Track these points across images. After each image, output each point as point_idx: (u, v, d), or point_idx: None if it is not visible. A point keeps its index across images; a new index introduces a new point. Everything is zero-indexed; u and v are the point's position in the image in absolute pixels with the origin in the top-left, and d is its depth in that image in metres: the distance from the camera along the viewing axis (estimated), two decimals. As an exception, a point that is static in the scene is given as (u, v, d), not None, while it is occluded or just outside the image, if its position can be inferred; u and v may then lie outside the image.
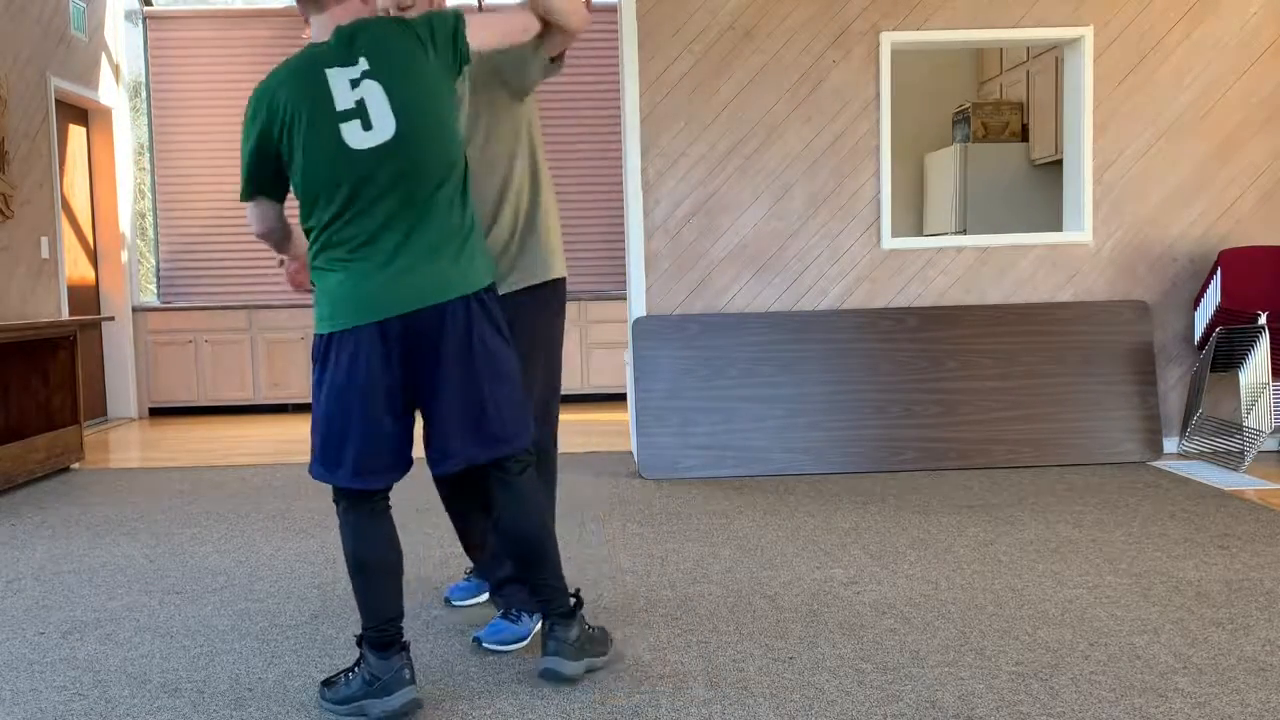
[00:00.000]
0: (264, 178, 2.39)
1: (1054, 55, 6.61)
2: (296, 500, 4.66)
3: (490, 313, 2.36)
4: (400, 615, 2.38)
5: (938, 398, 5.09)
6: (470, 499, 2.89)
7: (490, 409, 2.36)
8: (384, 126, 2.26)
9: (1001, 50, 7.45)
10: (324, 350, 2.31)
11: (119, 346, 7.72)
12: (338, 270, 2.30)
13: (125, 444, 6.58)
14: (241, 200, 2.44)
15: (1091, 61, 5.20)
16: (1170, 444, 5.31)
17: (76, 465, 5.73)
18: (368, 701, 2.33)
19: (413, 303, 2.27)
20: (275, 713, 2.39)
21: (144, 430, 7.19)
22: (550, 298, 2.79)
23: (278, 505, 4.56)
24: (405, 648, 2.37)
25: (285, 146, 2.29)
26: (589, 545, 3.76)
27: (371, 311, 2.26)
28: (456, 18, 2.36)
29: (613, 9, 8.03)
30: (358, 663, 2.39)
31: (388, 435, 2.32)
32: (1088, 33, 5.19)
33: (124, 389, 7.73)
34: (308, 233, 2.37)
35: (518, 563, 2.52)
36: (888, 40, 5.18)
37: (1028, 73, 7.05)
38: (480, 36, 2.38)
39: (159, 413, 7.89)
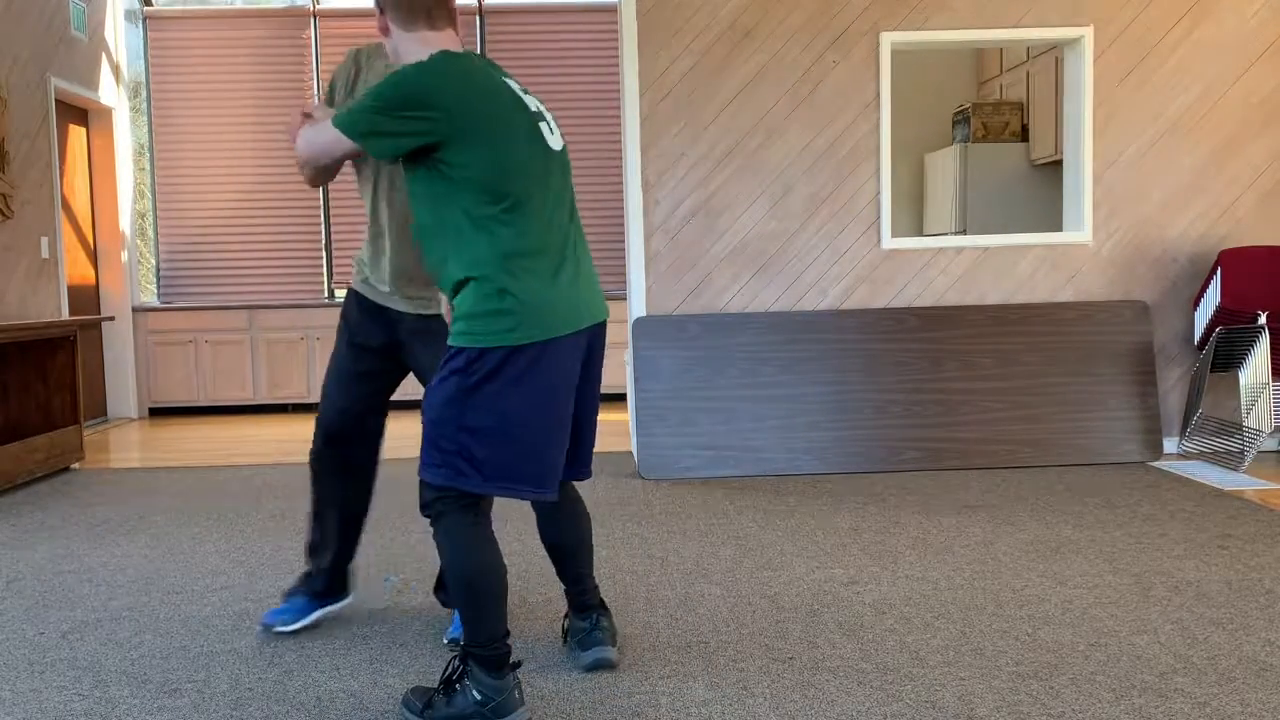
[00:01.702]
0: (388, 133, 2.18)
1: (1054, 55, 6.61)
2: (296, 500, 4.65)
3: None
4: (508, 631, 2.29)
5: (938, 398, 5.09)
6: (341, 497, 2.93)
7: (594, 429, 2.49)
8: (557, 138, 2.33)
9: (1001, 50, 7.45)
10: (506, 359, 2.17)
11: (119, 346, 7.72)
12: (521, 277, 2.18)
13: (125, 444, 6.58)
14: (340, 127, 2.23)
15: (1091, 61, 5.20)
16: (1170, 444, 5.31)
17: (76, 465, 5.73)
18: None
19: (599, 314, 2.34)
20: (275, 713, 2.39)
21: (144, 430, 7.19)
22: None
23: (278, 505, 4.56)
24: (516, 666, 2.28)
25: (455, 130, 2.14)
26: (589, 545, 3.76)
27: (572, 322, 2.24)
28: None
29: (613, 9, 8.03)
30: (456, 680, 2.25)
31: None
32: (1088, 33, 5.19)
33: (124, 389, 7.73)
34: (477, 223, 2.18)
35: (573, 562, 2.61)
36: (888, 40, 5.18)
37: (1028, 73, 7.05)
38: None
39: (159, 413, 7.89)
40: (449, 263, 2.21)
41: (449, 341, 2.23)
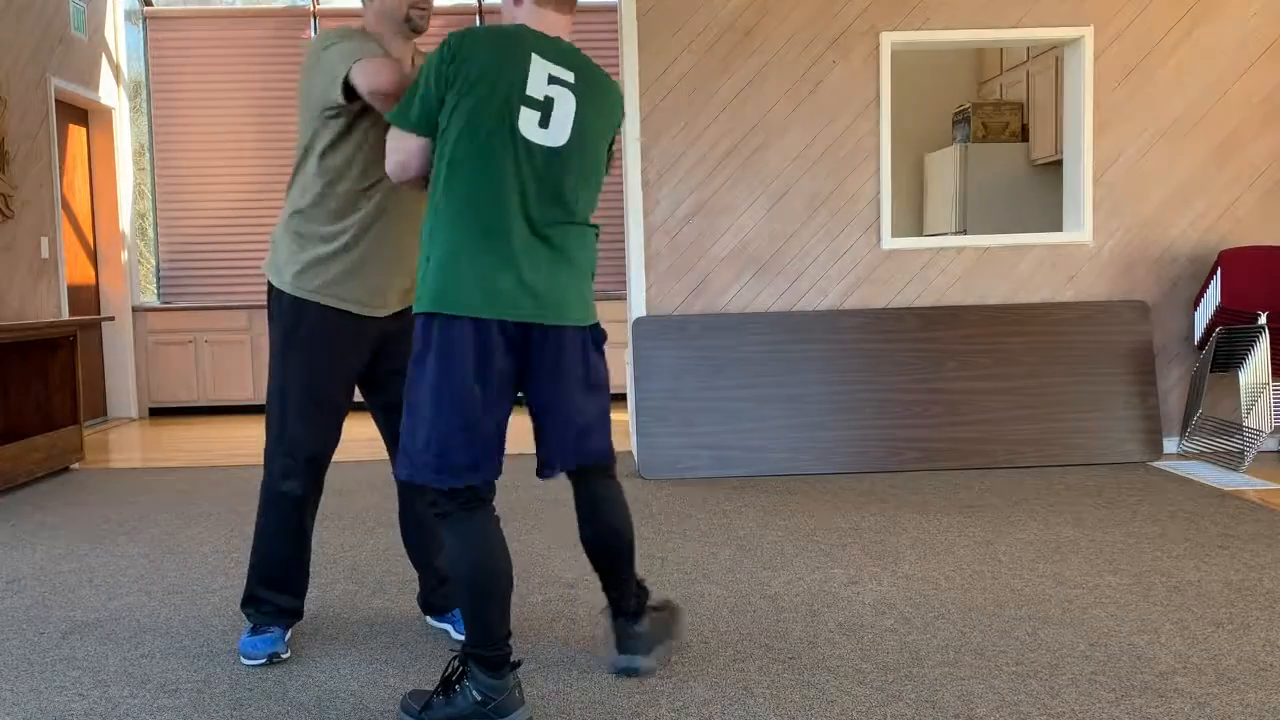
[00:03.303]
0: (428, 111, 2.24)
1: (1054, 55, 6.61)
2: (296, 500, 4.65)
3: None
4: (510, 632, 2.26)
5: (938, 398, 5.09)
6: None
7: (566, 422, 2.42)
8: (555, 132, 2.23)
9: (1001, 50, 7.45)
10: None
11: (119, 346, 7.72)
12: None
13: (125, 444, 6.58)
14: (395, 122, 2.28)
15: (1091, 61, 5.20)
16: (1170, 444, 5.31)
17: (76, 465, 5.73)
18: None
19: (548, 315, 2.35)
20: (275, 713, 2.39)
21: (144, 430, 7.19)
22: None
23: (278, 505, 4.56)
24: (516, 665, 2.26)
25: (452, 96, 2.19)
26: (589, 545, 3.76)
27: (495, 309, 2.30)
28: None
29: (613, 9, 8.03)
30: (455, 680, 2.24)
31: None
32: (1088, 33, 5.19)
33: (124, 389, 7.73)
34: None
35: (599, 560, 2.53)
36: (888, 40, 5.18)
37: (1028, 73, 7.05)
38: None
39: (159, 413, 7.89)
40: None
41: None
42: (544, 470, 2.38)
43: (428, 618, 2.96)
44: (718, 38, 5.17)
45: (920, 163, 7.97)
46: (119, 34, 7.74)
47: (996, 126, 7.19)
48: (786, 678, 2.51)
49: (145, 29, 8.13)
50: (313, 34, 8.13)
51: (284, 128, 8.17)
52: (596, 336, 2.40)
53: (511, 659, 2.25)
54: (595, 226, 2.39)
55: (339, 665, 2.67)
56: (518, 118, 2.19)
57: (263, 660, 2.66)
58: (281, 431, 2.68)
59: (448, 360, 2.18)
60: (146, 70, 8.15)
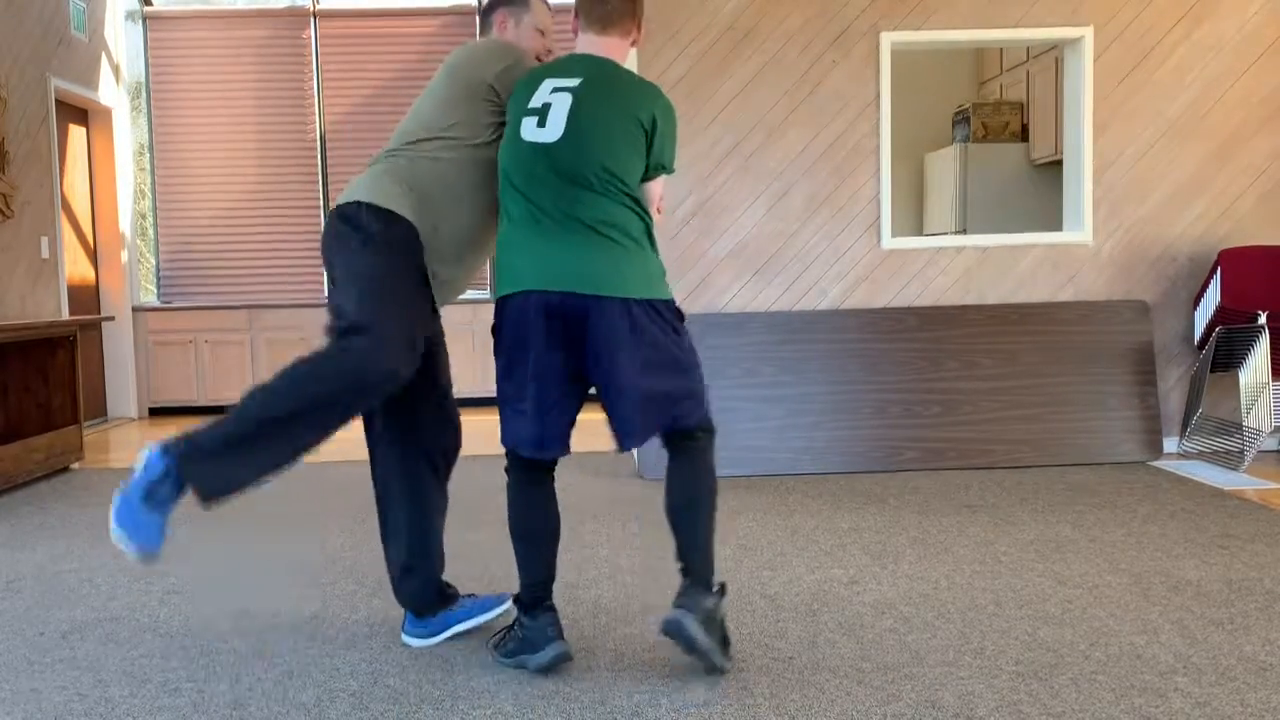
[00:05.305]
0: None
1: (1054, 55, 6.61)
2: (296, 500, 4.66)
3: None
4: (546, 580, 2.58)
5: (938, 398, 5.09)
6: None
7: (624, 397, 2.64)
8: (550, 130, 2.49)
9: (1001, 50, 7.45)
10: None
11: (119, 346, 7.72)
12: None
13: (125, 444, 6.58)
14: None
15: (1091, 61, 5.20)
16: (1170, 444, 5.31)
17: (76, 465, 5.73)
18: (523, 656, 2.57)
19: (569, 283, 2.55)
20: (275, 713, 2.39)
21: (144, 430, 7.19)
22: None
23: (278, 505, 4.56)
24: (551, 609, 2.57)
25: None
26: (589, 545, 3.76)
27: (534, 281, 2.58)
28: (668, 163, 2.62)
29: (613, 9, 8.03)
30: (514, 623, 2.63)
31: None
32: (1088, 33, 5.19)
33: (124, 389, 7.73)
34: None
35: (674, 528, 2.59)
36: (888, 40, 5.17)
37: (1028, 73, 7.05)
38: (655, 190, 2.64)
39: (159, 413, 7.89)
40: None
41: None
42: (617, 442, 2.56)
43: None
44: (717, 38, 5.17)
45: (920, 163, 7.97)
46: (119, 34, 7.74)
47: (996, 126, 7.19)
48: (786, 678, 2.51)
49: (145, 29, 8.13)
50: (313, 34, 8.13)
51: (284, 128, 8.17)
52: (657, 309, 2.51)
53: (546, 602, 2.56)
54: (625, 195, 2.50)
55: (339, 665, 2.67)
56: (520, 127, 2.52)
57: None
58: None
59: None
60: (146, 70, 8.15)
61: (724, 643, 2.55)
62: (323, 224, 8.15)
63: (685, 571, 2.54)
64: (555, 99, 2.50)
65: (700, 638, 2.44)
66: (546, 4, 2.86)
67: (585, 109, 2.48)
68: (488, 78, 2.63)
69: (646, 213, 2.55)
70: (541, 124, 2.49)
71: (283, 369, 2.46)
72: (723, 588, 2.57)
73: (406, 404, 2.73)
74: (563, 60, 2.58)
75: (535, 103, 2.51)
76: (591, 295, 2.43)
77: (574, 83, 2.52)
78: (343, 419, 2.47)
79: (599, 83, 2.52)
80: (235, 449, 2.39)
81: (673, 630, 2.45)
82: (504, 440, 2.56)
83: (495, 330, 2.54)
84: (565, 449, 2.54)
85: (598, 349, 2.45)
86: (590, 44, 2.61)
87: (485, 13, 2.89)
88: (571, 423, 2.54)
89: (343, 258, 2.55)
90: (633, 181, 2.51)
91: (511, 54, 2.68)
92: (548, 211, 2.48)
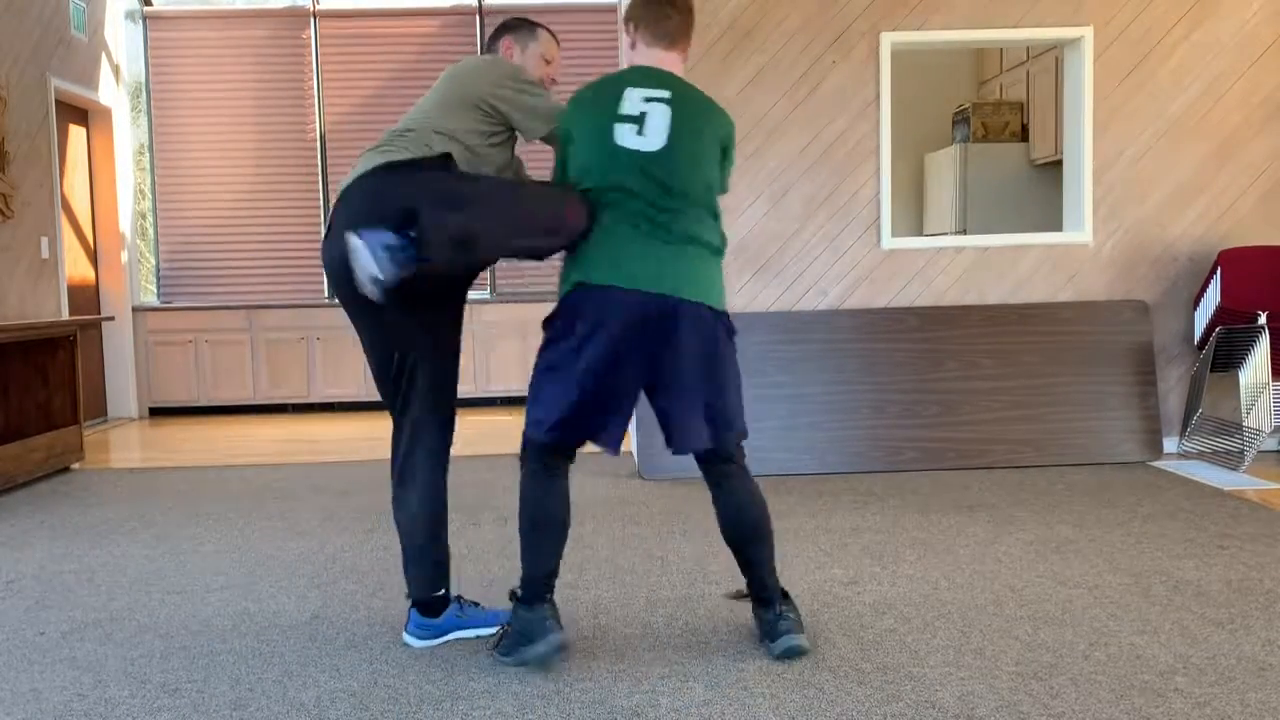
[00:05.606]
0: None
1: (1054, 55, 6.61)
2: (297, 500, 4.66)
3: None
4: (550, 572, 2.63)
5: (938, 398, 5.09)
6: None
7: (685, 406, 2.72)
8: (650, 137, 2.58)
9: (1001, 50, 7.45)
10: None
11: (119, 346, 7.72)
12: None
13: (125, 444, 6.58)
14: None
15: (1091, 61, 5.20)
16: (1170, 444, 5.31)
17: (76, 465, 5.73)
18: (521, 649, 2.59)
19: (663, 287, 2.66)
20: (275, 713, 2.39)
21: (144, 430, 7.19)
22: None
23: (278, 505, 4.56)
24: (550, 601, 2.62)
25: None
26: (589, 545, 3.76)
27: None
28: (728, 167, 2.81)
29: (612, 9, 8.03)
30: (513, 616, 2.65)
31: None
32: (1088, 33, 5.19)
33: (124, 389, 7.73)
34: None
35: (738, 550, 2.70)
36: (888, 40, 5.18)
37: (1028, 73, 7.05)
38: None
39: (159, 413, 7.89)
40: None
41: None
42: (675, 444, 2.63)
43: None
44: (718, 38, 5.17)
45: (920, 163, 7.97)
46: (119, 34, 7.74)
47: (996, 126, 7.19)
48: (786, 678, 2.51)
49: (145, 29, 8.13)
50: (313, 34, 8.13)
51: (284, 128, 8.17)
52: (725, 323, 2.65)
53: (547, 597, 2.61)
54: (712, 208, 2.67)
55: (339, 665, 2.67)
56: (612, 132, 2.58)
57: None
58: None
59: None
60: (146, 70, 8.15)
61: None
62: (323, 223, 8.15)
63: (764, 595, 2.69)
64: (651, 109, 2.59)
65: (807, 645, 2.65)
66: (553, 35, 2.95)
67: (684, 123, 2.60)
68: (484, 93, 2.70)
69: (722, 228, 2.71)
70: (640, 131, 2.58)
71: None
72: (785, 593, 2.74)
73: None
74: (634, 72, 2.66)
75: (628, 110, 2.59)
76: (686, 300, 2.54)
77: (665, 94, 2.62)
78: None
79: (688, 99, 2.64)
80: None
81: (794, 655, 2.63)
82: (533, 423, 2.59)
83: (560, 316, 2.58)
84: (617, 447, 2.61)
85: (679, 350, 2.55)
86: (657, 58, 2.71)
87: (492, 38, 2.97)
88: (628, 418, 2.61)
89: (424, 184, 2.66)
90: (716, 197, 2.69)
91: (522, 76, 2.76)
92: (645, 215, 2.56)
